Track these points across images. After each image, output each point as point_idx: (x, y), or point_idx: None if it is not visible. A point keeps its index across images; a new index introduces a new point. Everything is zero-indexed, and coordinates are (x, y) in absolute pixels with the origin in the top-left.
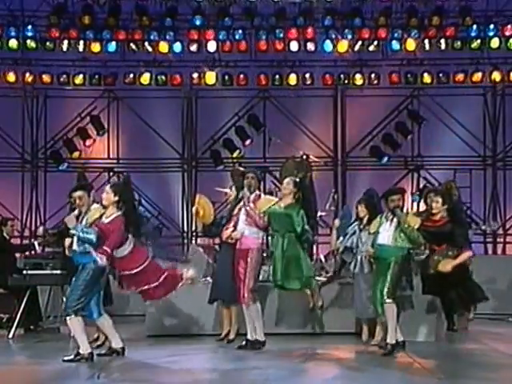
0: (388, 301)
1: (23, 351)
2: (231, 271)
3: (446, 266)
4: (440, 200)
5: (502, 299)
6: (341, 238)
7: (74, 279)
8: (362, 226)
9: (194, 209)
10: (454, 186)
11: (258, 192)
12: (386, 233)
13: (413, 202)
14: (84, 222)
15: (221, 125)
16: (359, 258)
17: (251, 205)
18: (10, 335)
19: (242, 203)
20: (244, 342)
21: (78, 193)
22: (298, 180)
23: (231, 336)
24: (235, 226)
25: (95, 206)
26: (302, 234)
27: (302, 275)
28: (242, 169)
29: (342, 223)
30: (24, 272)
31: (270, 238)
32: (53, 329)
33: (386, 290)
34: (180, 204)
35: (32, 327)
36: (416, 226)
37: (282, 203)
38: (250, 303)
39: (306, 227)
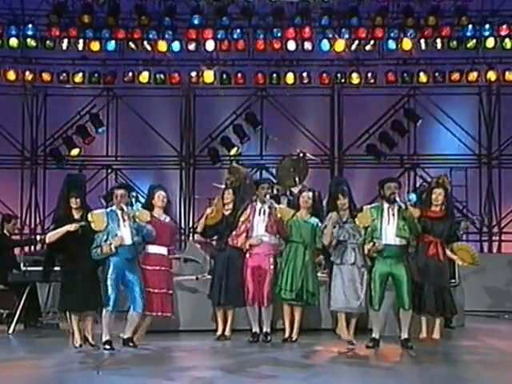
0: (407, 307)
1: (23, 346)
2: (239, 275)
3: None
4: (443, 192)
5: (497, 296)
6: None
7: (134, 273)
8: (345, 219)
9: (209, 210)
10: (447, 181)
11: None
12: (391, 229)
13: (409, 201)
14: (131, 220)
15: (218, 123)
16: (351, 250)
17: (279, 215)
18: (10, 330)
19: (257, 211)
20: (261, 335)
21: (122, 191)
22: (316, 193)
23: (228, 333)
24: (247, 232)
25: (140, 208)
26: (321, 245)
27: (315, 292)
28: (242, 169)
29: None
30: (23, 268)
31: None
32: (52, 324)
33: (407, 300)
34: (178, 201)
35: (32, 323)
36: (416, 215)
37: (301, 215)
38: (270, 304)
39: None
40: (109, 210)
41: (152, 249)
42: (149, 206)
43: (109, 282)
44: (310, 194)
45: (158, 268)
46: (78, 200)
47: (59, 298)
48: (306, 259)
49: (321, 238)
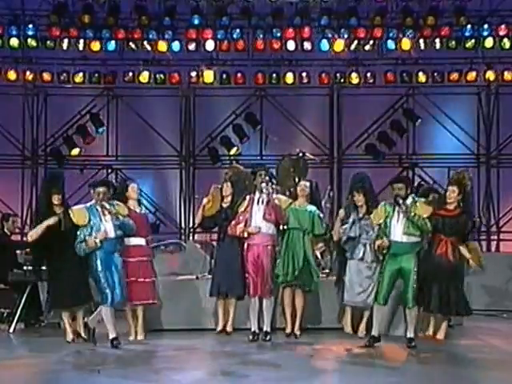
0: (411, 306)
1: (24, 345)
2: (240, 265)
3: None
4: (456, 190)
5: (495, 296)
6: (341, 228)
7: (117, 266)
8: (361, 215)
9: (205, 199)
10: (467, 177)
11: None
12: (400, 227)
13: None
14: (112, 214)
15: (218, 122)
16: (361, 245)
17: (276, 201)
18: (11, 330)
19: (255, 202)
20: (261, 334)
21: (104, 189)
22: (313, 184)
23: (229, 328)
24: (246, 222)
25: (116, 202)
26: (325, 232)
27: (313, 279)
28: (242, 168)
29: (346, 213)
30: (24, 267)
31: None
32: (53, 323)
33: (411, 297)
34: (178, 201)
35: (32, 322)
36: (426, 215)
37: (298, 203)
38: (270, 295)
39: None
40: (88, 205)
41: (133, 241)
42: (123, 198)
43: (102, 279)
44: (307, 183)
45: (141, 259)
46: (60, 196)
47: (48, 297)
48: (306, 245)
49: (321, 227)
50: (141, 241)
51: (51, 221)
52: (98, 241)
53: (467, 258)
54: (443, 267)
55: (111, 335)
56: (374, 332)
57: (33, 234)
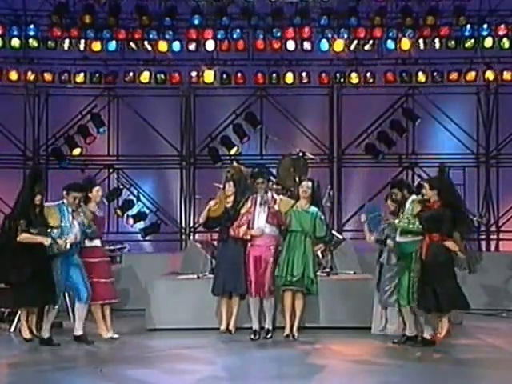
0: (405, 304)
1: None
2: (242, 265)
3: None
4: (427, 185)
5: (495, 295)
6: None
7: (77, 266)
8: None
9: (212, 202)
10: (443, 169)
11: (270, 193)
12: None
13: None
14: (81, 218)
15: (219, 122)
16: (386, 247)
17: (276, 207)
18: (12, 329)
19: (258, 203)
20: (262, 332)
21: (80, 195)
22: (315, 183)
23: (232, 328)
24: (249, 223)
25: (83, 205)
26: (326, 234)
27: (313, 279)
28: (243, 168)
29: (369, 217)
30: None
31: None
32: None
33: (404, 296)
34: (178, 200)
35: None
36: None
37: (300, 205)
38: (271, 295)
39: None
40: (59, 204)
41: (95, 242)
42: (85, 199)
43: (74, 278)
44: (309, 183)
45: (103, 259)
46: (42, 197)
47: (12, 294)
48: (306, 248)
49: (322, 229)
50: (99, 242)
51: (48, 241)
52: (68, 244)
53: (455, 250)
54: (422, 266)
55: (79, 332)
56: (406, 332)
57: (24, 239)
